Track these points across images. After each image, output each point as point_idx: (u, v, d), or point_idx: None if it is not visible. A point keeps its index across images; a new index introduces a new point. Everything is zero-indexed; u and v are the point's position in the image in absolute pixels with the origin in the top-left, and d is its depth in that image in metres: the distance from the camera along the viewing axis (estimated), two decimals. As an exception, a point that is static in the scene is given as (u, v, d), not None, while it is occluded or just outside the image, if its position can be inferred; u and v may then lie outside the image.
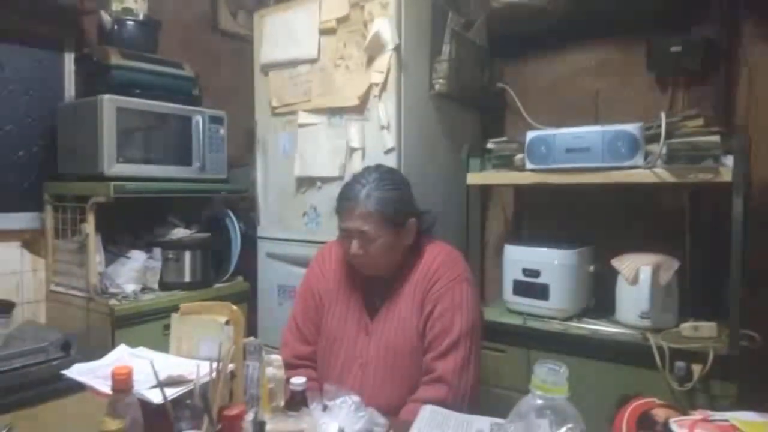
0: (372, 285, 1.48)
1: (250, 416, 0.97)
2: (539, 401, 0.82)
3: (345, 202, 1.41)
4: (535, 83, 2.42)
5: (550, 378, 0.80)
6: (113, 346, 1.97)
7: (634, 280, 1.77)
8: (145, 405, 0.90)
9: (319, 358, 1.51)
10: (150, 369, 0.94)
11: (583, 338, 1.77)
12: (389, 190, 1.40)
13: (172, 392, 0.92)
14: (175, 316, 1.11)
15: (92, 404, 0.96)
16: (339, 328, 1.48)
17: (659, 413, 0.89)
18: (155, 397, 0.91)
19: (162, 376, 0.94)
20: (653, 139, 1.72)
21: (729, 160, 1.60)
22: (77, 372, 1.02)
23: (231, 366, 1.03)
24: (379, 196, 1.38)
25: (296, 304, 1.60)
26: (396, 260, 1.45)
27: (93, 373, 1.00)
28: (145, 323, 2.03)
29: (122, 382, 0.85)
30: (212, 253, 2.34)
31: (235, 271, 2.43)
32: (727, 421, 0.86)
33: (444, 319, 1.38)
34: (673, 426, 0.86)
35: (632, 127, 1.70)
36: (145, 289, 2.18)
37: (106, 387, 0.91)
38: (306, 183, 2.21)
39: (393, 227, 1.40)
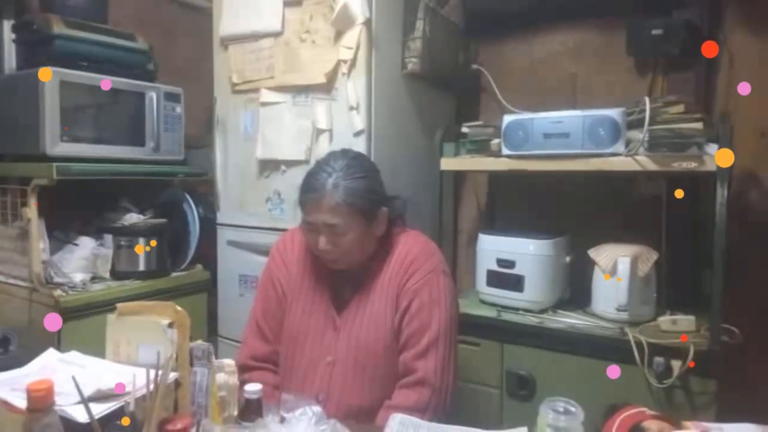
0: (340, 276, 1.38)
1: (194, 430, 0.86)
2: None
3: (310, 194, 1.29)
4: (511, 65, 2.32)
5: (561, 424, 0.65)
6: (59, 341, 1.86)
7: (612, 272, 1.71)
8: (70, 424, 0.78)
9: (281, 357, 1.40)
10: (79, 380, 0.81)
11: (560, 332, 1.70)
12: (359, 179, 1.29)
13: (100, 409, 0.79)
14: (111, 317, 0.98)
15: (6, 418, 0.83)
16: (303, 322, 1.37)
17: (651, 426, 0.81)
18: (81, 414, 0.78)
19: (91, 389, 0.82)
20: (633, 124, 1.65)
21: (712, 149, 1.53)
22: (-9, 384, 0.88)
23: (174, 374, 0.91)
24: (348, 186, 1.26)
25: (256, 298, 1.48)
26: (368, 253, 1.35)
27: (11, 385, 0.87)
28: (95, 315, 1.88)
29: (39, 401, 0.72)
30: (169, 240, 2.20)
31: (194, 259, 2.29)
32: (725, 433, 0.79)
33: (422, 314, 1.29)
34: (669, 442, 0.78)
35: (614, 113, 1.62)
36: (95, 279, 2.03)
37: (23, 402, 0.78)
38: (269, 166, 2.06)
39: (364, 219, 1.29)
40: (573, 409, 0.65)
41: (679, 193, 1.51)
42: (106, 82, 1.99)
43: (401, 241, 1.38)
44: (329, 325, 1.36)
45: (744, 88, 1.86)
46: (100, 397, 0.82)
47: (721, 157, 1.45)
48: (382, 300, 1.33)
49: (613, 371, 1.54)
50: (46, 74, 1.83)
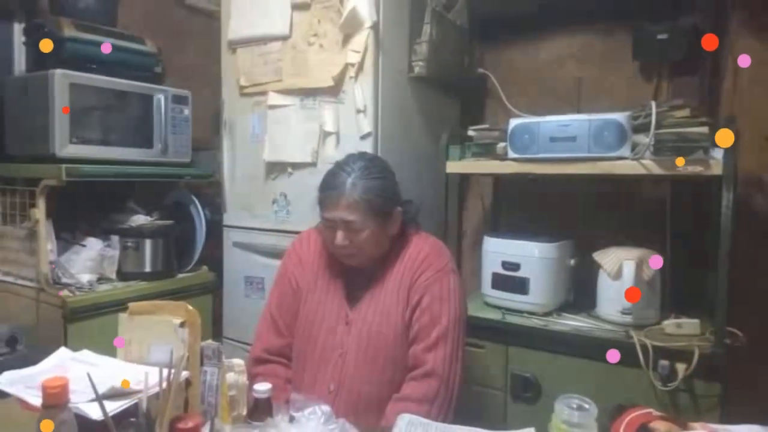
0: (353, 273, 1.43)
1: (207, 428, 0.87)
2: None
3: (329, 191, 1.35)
4: (516, 69, 2.33)
5: (575, 420, 0.66)
6: (65, 340, 1.87)
7: (617, 275, 1.71)
8: (83, 421, 0.79)
9: (295, 351, 1.44)
10: (92, 377, 0.82)
11: (564, 335, 1.70)
12: (376, 179, 1.36)
13: (114, 406, 0.80)
14: (123, 316, 0.99)
15: (21, 416, 0.84)
16: (317, 315, 1.42)
17: (659, 427, 0.82)
18: (95, 412, 0.79)
19: (105, 387, 0.83)
20: (639, 128, 1.66)
21: (718, 153, 1.54)
22: (7, 381, 0.89)
23: (185, 373, 0.92)
24: (365, 185, 1.33)
25: (272, 293, 1.53)
26: (382, 251, 1.40)
27: (25, 383, 0.88)
28: (101, 316, 1.90)
29: (54, 397, 0.74)
30: (175, 242, 2.21)
31: (200, 260, 2.31)
32: (731, 435, 0.79)
33: (432, 309, 1.34)
34: (676, 442, 0.78)
35: (620, 116, 1.63)
36: (101, 279, 2.05)
37: (38, 399, 0.79)
38: (276, 168, 2.08)
39: (380, 217, 1.35)
40: (587, 405, 0.67)
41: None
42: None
43: (413, 242, 1.44)
44: (342, 319, 1.40)
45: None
46: (114, 394, 0.84)
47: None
48: (394, 295, 1.37)
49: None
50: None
